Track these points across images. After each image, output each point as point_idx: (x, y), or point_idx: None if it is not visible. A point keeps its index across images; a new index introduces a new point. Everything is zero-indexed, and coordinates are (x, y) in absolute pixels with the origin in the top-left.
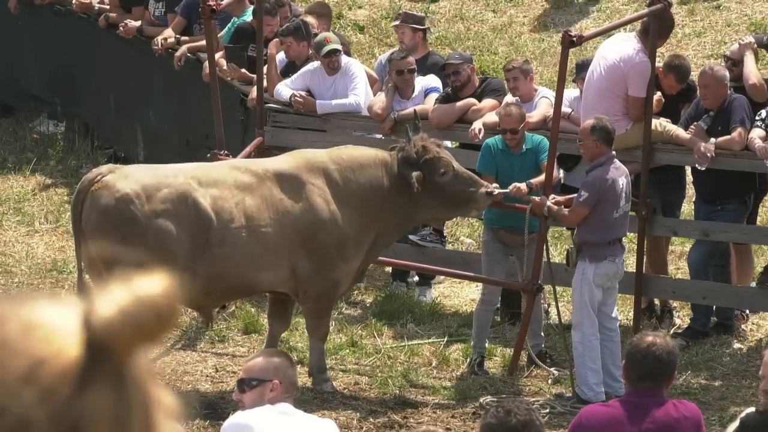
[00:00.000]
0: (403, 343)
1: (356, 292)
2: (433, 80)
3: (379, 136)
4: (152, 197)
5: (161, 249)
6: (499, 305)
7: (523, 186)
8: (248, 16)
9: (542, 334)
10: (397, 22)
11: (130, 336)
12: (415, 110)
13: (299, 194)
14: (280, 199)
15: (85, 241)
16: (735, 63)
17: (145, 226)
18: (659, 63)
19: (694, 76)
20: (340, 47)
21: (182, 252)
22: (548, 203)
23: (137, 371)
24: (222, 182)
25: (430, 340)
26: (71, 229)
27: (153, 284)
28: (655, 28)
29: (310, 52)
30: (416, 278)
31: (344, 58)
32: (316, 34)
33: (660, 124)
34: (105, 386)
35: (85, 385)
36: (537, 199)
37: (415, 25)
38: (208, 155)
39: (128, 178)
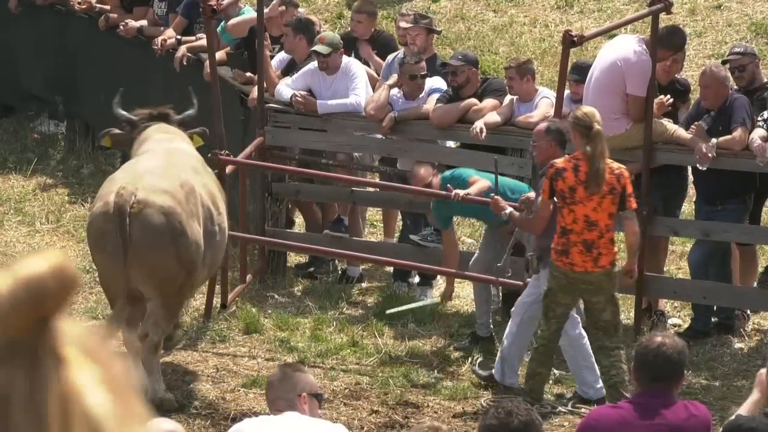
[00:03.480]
0: (404, 343)
1: (357, 292)
2: (437, 81)
3: (379, 136)
4: (182, 202)
5: (198, 249)
6: (500, 304)
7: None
8: (248, 12)
9: None
10: (408, 24)
11: (10, 317)
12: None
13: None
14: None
15: (132, 262)
16: (742, 69)
17: (189, 233)
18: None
19: (694, 77)
20: (324, 50)
21: (203, 246)
22: (509, 209)
23: (55, 356)
24: (197, 173)
25: (430, 342)
26: (111, 252)
27: (36, 264)
28: (657, 27)
29: (310, 51)
30: (417, 278)
31: (345, 58)
32: (318, 32)
33: (660, 123)
34: (17, 367)
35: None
36: (498, 198)
37: (427, 26)
38: (209, 155)
39: (155, 190)
